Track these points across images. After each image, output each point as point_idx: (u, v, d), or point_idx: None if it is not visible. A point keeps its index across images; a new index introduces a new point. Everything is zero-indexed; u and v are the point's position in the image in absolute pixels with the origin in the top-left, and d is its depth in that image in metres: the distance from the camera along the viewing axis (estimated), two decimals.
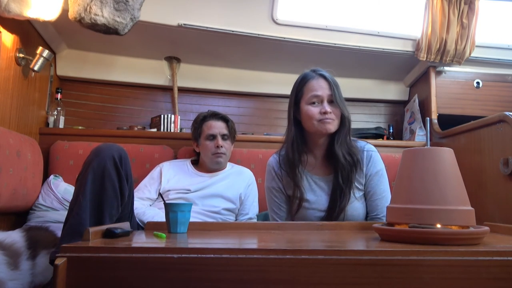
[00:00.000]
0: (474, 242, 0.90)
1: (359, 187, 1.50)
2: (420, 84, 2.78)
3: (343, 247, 0.89)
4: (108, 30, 1.80)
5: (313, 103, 1.45)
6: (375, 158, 1.52)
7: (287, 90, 2.80)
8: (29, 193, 1.87)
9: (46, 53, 1.97)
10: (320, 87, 1.45)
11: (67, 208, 1.33)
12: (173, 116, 2.55)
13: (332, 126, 1.44)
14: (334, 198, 1.45)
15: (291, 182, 1.49)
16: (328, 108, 1.43)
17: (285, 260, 0.77)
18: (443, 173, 0.97)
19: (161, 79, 2.69)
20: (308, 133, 1.50)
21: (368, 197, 1.51)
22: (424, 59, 2.50)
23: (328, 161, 1.51)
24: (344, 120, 1.45)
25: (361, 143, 1.55)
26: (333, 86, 1.45)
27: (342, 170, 1.45)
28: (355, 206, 1.48)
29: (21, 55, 1.91)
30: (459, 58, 2.52)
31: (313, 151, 1.52)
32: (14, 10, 1.64)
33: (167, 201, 1.17)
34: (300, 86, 1.50)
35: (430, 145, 1.07)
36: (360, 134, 2.64)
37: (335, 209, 1.44)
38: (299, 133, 1.50)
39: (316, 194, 1.49)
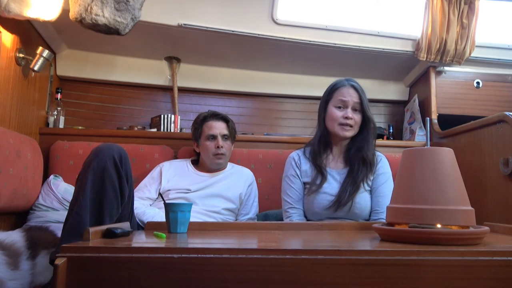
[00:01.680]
0: (474, 242, 0.90)
1: (368, 182, 1.66)
2: (420, 84, 2.78)
3: (343, 247, 0.89)
4: (109, 30, 1.80)
5: (339, 107, 1.64)
6: (384, 161, 1.72)
7: (287, 90, 2.85)
8: (29, 193, 1.87)
9: (46, 53, 1.97)
10: (348, 94, 1.64)
11: (67, 208, 1.33)
12: (173, 116, 2.55)
13: (349, 133, 1.63)
14: (345, 186, 1.61)
15: (308, 171, 1.69)
16: (350, 114, 1.61)
17: (285, 260, 0.77)
18: (443, 173, 0.97)
19: (161, 79, 2.69)
20: (330, 133, 1.69)
21: (372, 193, 1.66)
22: (424, 59, 2.50)
23: (344, 158, 1.70)
24: (368, 127, 1.65)
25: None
26: (361, 96, 1.64)
27: (358, 168, 1.62)
28: (363, 196, 1.62)
29: (21, 55, 1.91)
30: (459, 58, 2.52)
31: (332, 149, 1.72)
32: (14, 10, 1.64)
33: (167, 201, 1.17)
34: (332, 91, 1.68)
35: (430, 145, 1.07)
36: None
37: (344, 196, 1.59)
38: (326, 131, 1.69)
39: (328, 182, 1.65)
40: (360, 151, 1.64)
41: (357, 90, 1.65)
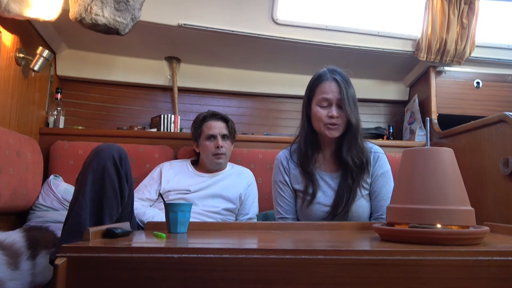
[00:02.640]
0: (474, 242, 0.90)
1: (365, 186, 1.52)
2: (420, 84, 2.78)
3: (343, 247, 0.89)
4: (108, 30, 1.80)
5: (322, 105, 1.48)
6: (382, 159, 1.56)
7: (287, 90, 2.85)
8: (29, 193, 1.87)
9: (46, 53, 1.97)
10: (331, 91, 1.47)
11: (67, 208, 1.33)
12: (173, 116, 2.55)
13: (337, 132, 1.48)
14: (340, 195, 1.48)
15: (298, 177, 1.54)
16: (335, 112, 1.46)
17: (285, 260, 0.77)
18: (443, 173, 0.97)
19: (161, 79, 2.69)
20: (316, 133, 1.54)
21: (373, 197, 1.53)
22: (424, 59, 2.50)
23: (336, 159, 1.54)
24: (350, 125, 1.47)
25: (368, 144, 1.58)
26: (343, 91, 1.46)
27: (351, 172, 1.48)
28: (360, 203, 1.50)
29: (21, 55, 1.91)
30: (459, 58, 2.52)
31: (322, 149, 1.56)
32: (14, 10, 1.64)
33: (167, 201, 1.17)
34: (313, 86, 1.53)
35: (430, 145, 1.07)
36: None
37: (340, 205, 1.47)
38: (311, 130, 1.54)
39: (322, 190, 1.51)
40: (348, 152, 1.48)
41: (339, 84, 1.47)
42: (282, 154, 1.62)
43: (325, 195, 1.51)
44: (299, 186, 1.55)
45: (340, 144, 1.52)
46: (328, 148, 1.56)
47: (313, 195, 1.49)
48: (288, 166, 1.57)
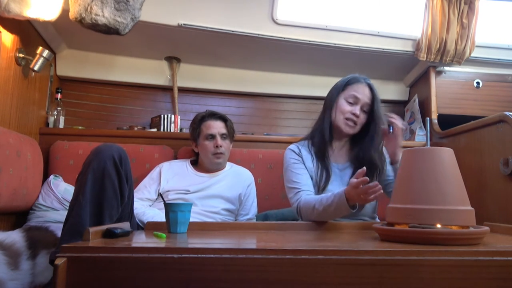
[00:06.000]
0: (474, 242, 0.90)
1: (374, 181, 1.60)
2: (420, 84, 2.78)
3: (343, 247, 0.89)
4: (108, 30, 1.80)
5: (349, 101, 1.60)
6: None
7: (287, 90, 2.85)
8: (29, 193, 1.87)
9: (46, 53, 1.97)
10: (363, 93, 1.60)
11: (67, 208, 1.33)
12: (173, 116, 2.55)
13: (352, 130, 1.61)
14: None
15: (310, 167, 1.61)
16: (358, 111, 1.58)
17: (285, 260, 0.77)
18: (443, 173, 0.97)
19: (161, 79, 2.69)
20: (332, 125, 1.64)
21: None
22: (424, 59, 2.50)
23: (345, 152, 1.67)
24: (378, 127, 1.59)
25: None
26: (375, 97, 1.60)
27: (372, 169, 1.56)
28: None
29: (21, 55, 1.91)
30: (459, 58, 2.52)
31: (333, 141, 1.67)
32: (14, 10, 1.64)
33: (166, 202, 1.17)
34: (347, 84, 1.64)
35: (430, 145, 1.07)
36: None
37: None
38: (331, 123, 1.64)
39: (332, 178, 1.59)
40: (366, 153, 1.58)
41: (372, 91, 1.60)
42: (293, 145, 1.70)
43: (333, 184, 1.57)
44: (310, 172, 1.61)
45: (352, 139, 1.65)
46: (340, 141, 1.67)
47: (326, 183, 1.56)
48: (301, 153, 1.64)
